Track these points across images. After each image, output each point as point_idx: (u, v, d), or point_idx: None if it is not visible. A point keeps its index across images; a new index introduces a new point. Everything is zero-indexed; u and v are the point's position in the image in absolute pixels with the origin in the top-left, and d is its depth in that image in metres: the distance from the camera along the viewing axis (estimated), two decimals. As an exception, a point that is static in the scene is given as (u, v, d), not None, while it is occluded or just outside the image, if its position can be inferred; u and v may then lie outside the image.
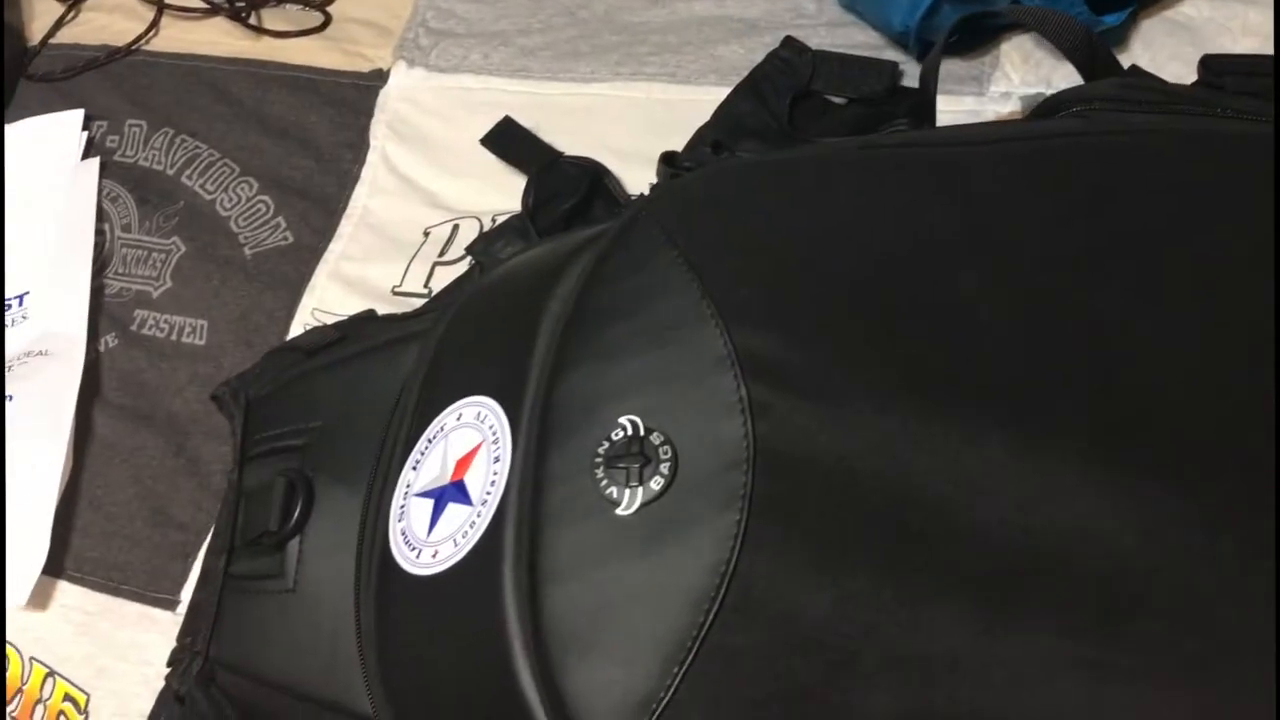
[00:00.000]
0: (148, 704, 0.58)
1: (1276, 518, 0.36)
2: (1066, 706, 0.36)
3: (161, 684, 0.58)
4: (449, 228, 0.70)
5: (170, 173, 0.75)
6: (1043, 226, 0.43)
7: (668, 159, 0.57)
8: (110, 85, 0.80)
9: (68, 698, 0.58)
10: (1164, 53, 0.66)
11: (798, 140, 0.67)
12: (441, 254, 0.69)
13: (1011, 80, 0.67)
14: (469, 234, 0.68)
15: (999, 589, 0.37)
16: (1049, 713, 0.36)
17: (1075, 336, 0.41)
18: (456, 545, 0.45)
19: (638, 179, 0.67)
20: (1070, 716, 0.35)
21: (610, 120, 0.71)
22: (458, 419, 0.49)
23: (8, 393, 0.64)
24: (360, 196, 0.72)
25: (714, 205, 0.48)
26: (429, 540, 0.46)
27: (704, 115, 0.68)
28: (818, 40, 0.70)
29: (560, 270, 0.49)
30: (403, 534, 0.48)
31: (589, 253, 0.49)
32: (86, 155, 0.77)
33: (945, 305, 0.42)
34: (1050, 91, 0.66)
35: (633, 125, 0.71)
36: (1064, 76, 0.67)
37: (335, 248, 0.70)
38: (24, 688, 0.59)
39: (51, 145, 0.76)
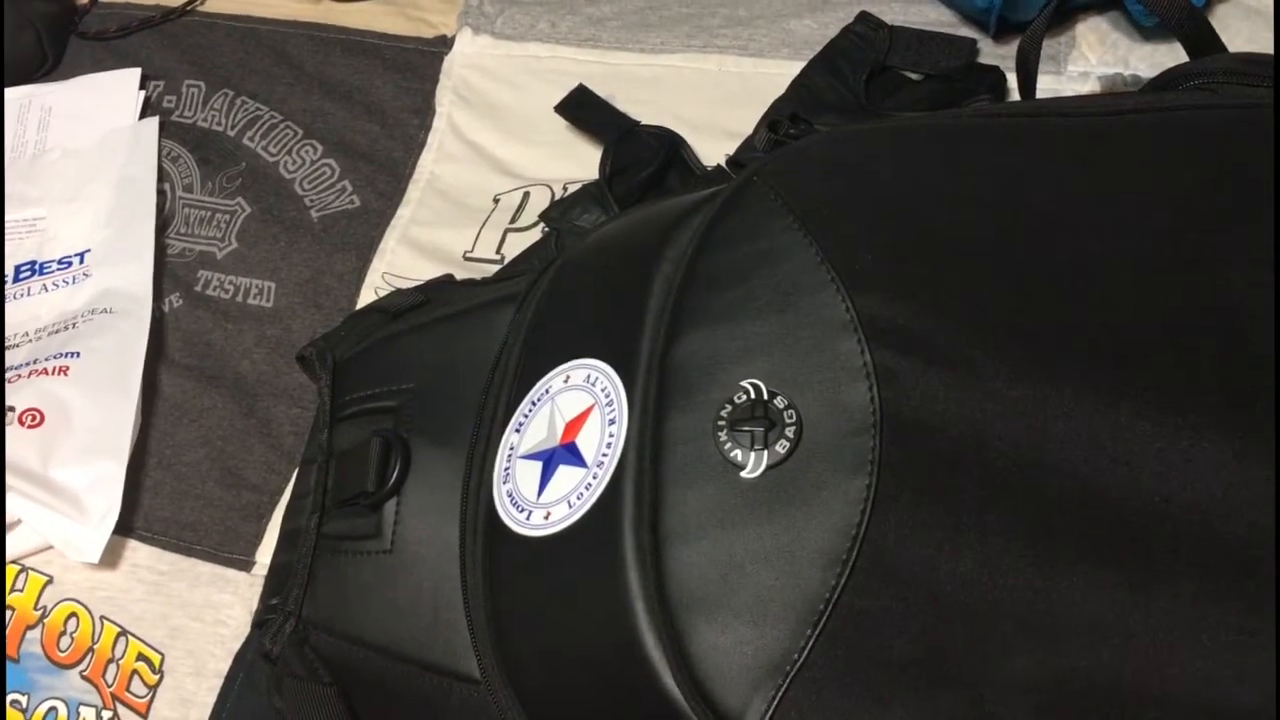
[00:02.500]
0: (224, 664, 0.57)
1: None
2: (1214, 673, 0.36)
3: (238, 644, 0.58)
4: (519, 195, 0.69)
5: (231, 134, 0.74)
6: (1172, 196, 0.43)
7: (772, 126, 0.56)
8: (166, 45, 0.79)
9: (141, 657, 0.58)
10: (1239, 38, 0.66)
11: (875, 115, 0.67)
12: (513, 221, 0.68)
13: (1089, 60, 0.67)
14: (540, 201, 0.68)
15: (1141, 556, 0.37)
16: (1195, 679, 0.36)
17: (1207, 305, 0.41)
18: (571, 507, 0.45)
19: (711, 150, 0.67)
20: (1218, 683, 0.36)
21: (682, 91, 0.71)
22: (565, 381, 0.48)
23: (75, 349, 0.63)
24: (427, 162, 0.72)
25: (828, 170, 0.48)
26: (539, 502, 0.46)
27: (777, 88, 0.68)
28: (891, 16, 0.70)
29: (668, 234, 0.49)
30: (509, 495, 0.47)
31: (698, 217, 0.49)
32: (143, 115, 0.76)
33: (1075, 273, 0.42)
34: (1128, 72, 0.67)
35: (705, 97, 0.71)
36: (1141, 57, 0.67)
37: (404, 213, 0.70)
38: (95, 647, 0.58)
39: (109, 102, 0.75)
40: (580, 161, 0.69)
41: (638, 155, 0.66)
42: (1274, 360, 0.40)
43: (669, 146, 0.66)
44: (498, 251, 0.67)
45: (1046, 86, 0.67)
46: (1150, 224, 0.43)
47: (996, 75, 0.67)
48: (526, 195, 0.69)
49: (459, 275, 0.64)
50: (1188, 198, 0.43)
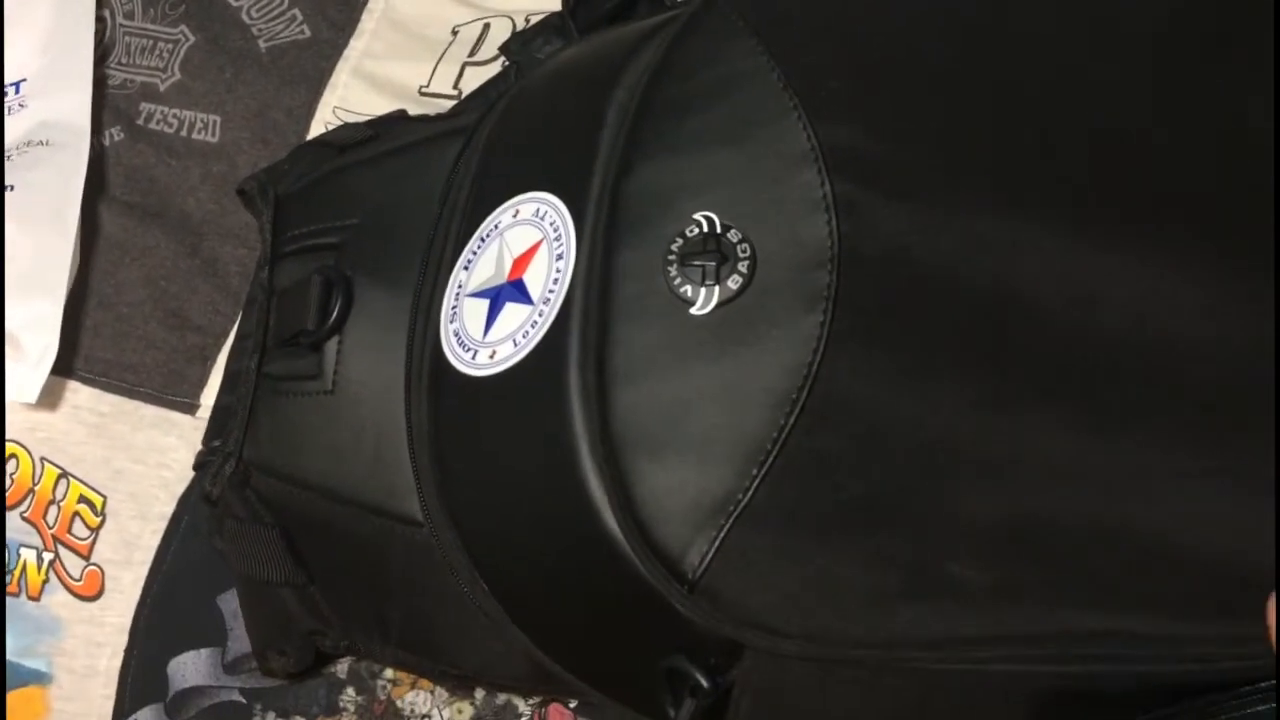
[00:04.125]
0: (168, 507, 0.56)
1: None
2: (1172, 517, 0.34)
3: (183, 487, 0.56)
4: (479, 26, 0.66)
5: (175, -42, 0.70)
6: (1162, 17, 0.40)
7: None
8: None
9: (83, 499, 0.56)
10: None
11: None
12: (471, 54, 0.65)
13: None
14: (501, 34, 0.64)
15: (1104, 396, 0.36)
16: (1153, 522, 0.34)
17: (1194, 134, 0.39)
18: (516, 345, 0.43)
19: (684, -19, 0.63)
20: (1176, 527, 0.34)
21: (654, -82, 0.67)
22: (514, 216, 0.46)
23: (9, 183, 0.61)
24: (383, -9, 0.68)
25: (796, -9, 0.45)
26: (485, 341, 0.44)
27: (754, -84, 0.64)
28: None
29: (624, 61, 0.46)
30: (455, 335, 0.45)
31: (656, 41, 0.46)
32: (82, -64, 0.71)
33: (1052, 101, 0.40)
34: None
35: (679, -77, 0.67)
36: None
37: (357, 44, 0.66)
38: (35, 489, 0.57)
39: (44, -77, 0.71)
40: (544, -8, 0.65)
41: (604, -16, 0.62)
42: (1265, 192, 0.37)
43: (637, -25, 0.62)
44: (455, 86, 0.64)
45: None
46: (1134, 47, 0.40)
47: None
48: (487, 27, 0.66)
49: (413, 111, 0.60)
50: (1178, 17, 0.40)
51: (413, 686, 0.52)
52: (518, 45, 0.61)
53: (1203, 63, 0.39)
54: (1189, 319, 0.36)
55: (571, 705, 0.50)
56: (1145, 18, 0.40)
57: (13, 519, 0.56)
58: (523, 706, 0.51)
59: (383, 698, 0.52)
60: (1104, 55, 0.40)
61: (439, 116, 0.57)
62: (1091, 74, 0.40)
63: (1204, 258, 0.36)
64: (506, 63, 0.62)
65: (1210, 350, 0.36)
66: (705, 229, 0.40)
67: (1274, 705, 0.33)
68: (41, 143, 0.63)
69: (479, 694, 0.51)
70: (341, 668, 0.52)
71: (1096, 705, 0.36)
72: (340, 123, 0.63)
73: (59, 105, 0.64)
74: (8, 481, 0.57)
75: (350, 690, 0.52)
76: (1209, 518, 0.34)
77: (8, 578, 0.56)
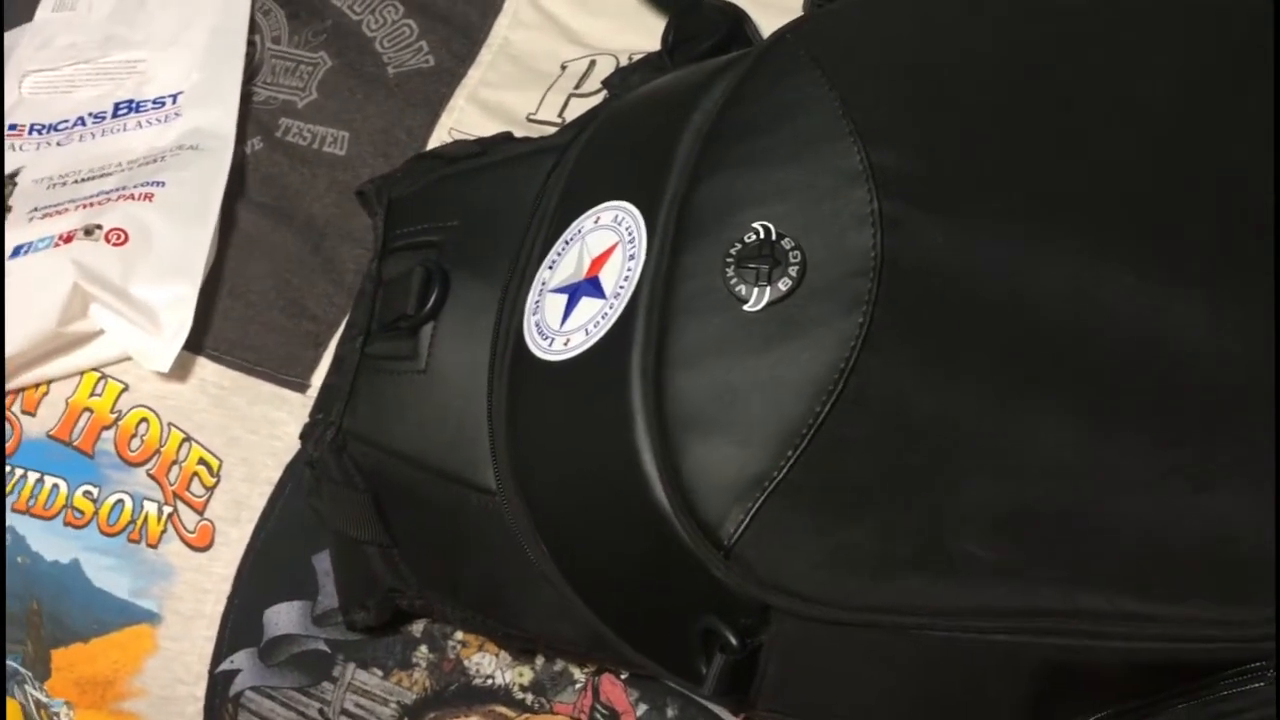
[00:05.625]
0: (276, 473, 0.62)
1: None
2: (1162, 511, 0.37)
3: (290, 457, 0.62)
4: (586, 62, 0.71)
5: (320, -9, 0.78)
6: (1179, 53, 0.44)
7: (816, -10, 0.58)
8: (266, -95, 0.83)
9: (202, 461, 0.63)
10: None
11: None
12: (577, 86, 0.70)
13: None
14: (605, 69, 0.70)
15: (1107, 399, 0.39)
16: (1144, 516, 0.38)
17: (1205, 159, 0.42)
18: (588, 334, 0.48)
19: (776, 26, 0.68)
20: (1166, 520, 0.37)
21: (752, -31, 0.72)
22: (595, 222, 0.51)
23: (161, 179, 0.68)
24: (501, 27, 0.74)
25: (858, 26, 0.49)
26: (562, 330, 0.49)
27: (846, -29, 0.69)
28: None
29: (702, 88, 0.51)
30: (536, 325, 0.50)
31: (732, 72, 0.51)
32: (240, -30, 0.79)
33: (1081, 129, 0.44)
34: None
35: (774, -25, 0.72)
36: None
37: (475, 74, 0.73)
38: (161, 449, 0.63)
39: (209, -43, 0.79)
40: (648, 34, 0.70)
41: (700, 28, 0.67)
42: (1269, 224, 0.40)
43: (732, 21, 0.67)
44: (560, 115, 0.70)
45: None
46: (1166, 77, 0.44)
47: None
48: (593, 63, 0.71)
49: (520, 134, 0.66)
50: (1192, 54, 0.44)
51: (480, 649, 0.56)
52: (618, 79, 0.67)
53: (1221, 94, 0.43)
54: (1189, 328, 0.39)
55: (623, 676, 0.54)
56: (1174, 50, 0.44)
57: (139, 475, 0.63)
58: (578, 674, 0.55)
59: (452, 657, 0.56)
60: (1136, 83, 0.44)
61: (539, 137, 0.62)
62: (1120, 101, 0.44)
63: (1205, 272, 0.40)
64: (608, 94, 0.68)
65: (1207, 357, 0.39)
66: (762, 236, 0.45)
67: (1264, 684, 0.35)
68: (192, 147, 0.70)
69: (539, 660, 0.56)
70: (417, 627, 0.57)
71: (1094, 683, 0.39)
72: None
73: (209, 116, 0.72)
74: (139, 443, 0.64)
75: (423, 648, 0.57)
76: (1200, 509, 0.37)
77: (131, 526, 0.62)
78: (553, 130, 0.68)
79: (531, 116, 0.70)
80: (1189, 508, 0.37)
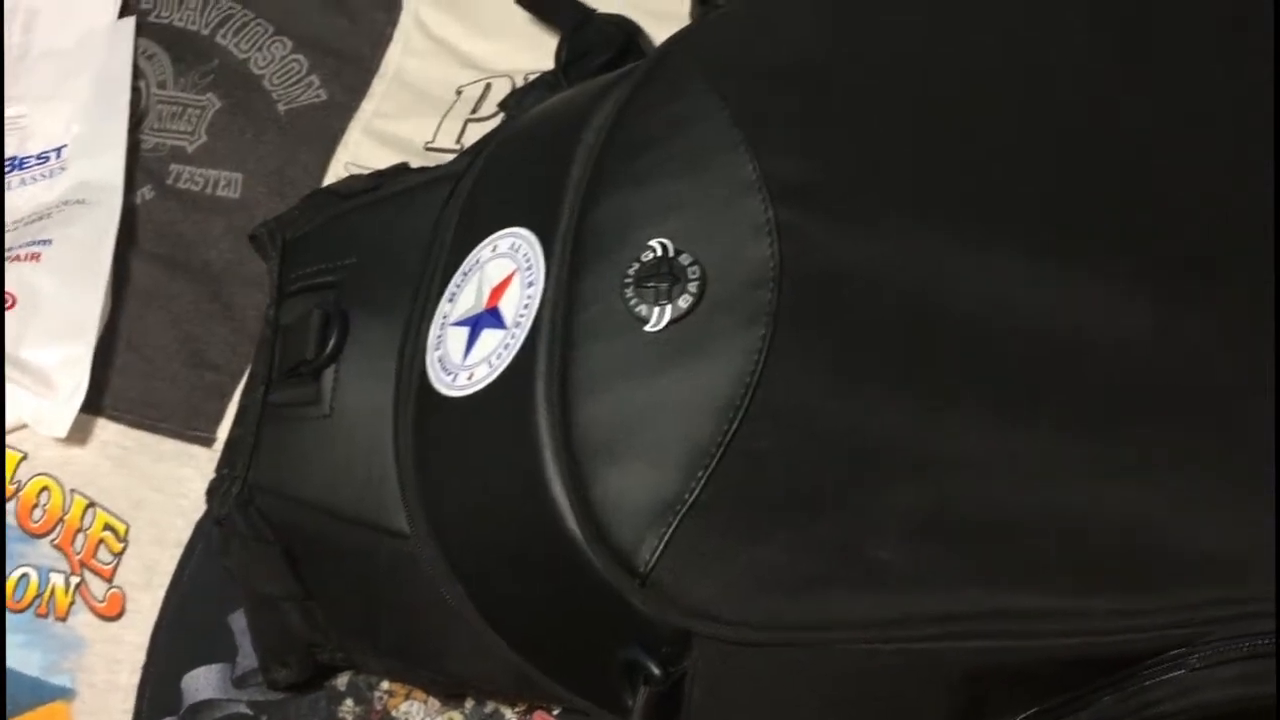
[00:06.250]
0: (185, 534, 0.60)
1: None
2: (1074, 501, 0.37)
3: (199, 515, 0.60)
4: (481, 86, 0.70)
5: (205, 32, 0.75)
6: (1076, 44, 0.44)
7: (701, -1, 0.57)
8: (146, -53, 0.80)
9: (108, 527, 0.60)
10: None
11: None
12: (474, 111, 0.69)
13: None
14: (501, 92, 0.69)
15: (1013, 392, 0.39)
16: (1056, 507, 0.37)
17: (1104, 152, 0.42)
18: (491, 366, 0.46)
19: (669, 39, 0.68)
20: (1077, 510, 0.37)
21: (645, -19, 0.71)
22: (493, 250, 0.50)
23: (47, 237, 0.66)
24: (393, 56, 0.73)
25: (744, 33, 0.49)
26: (464, 364, 0.48)
27: (738, -22, 0.68)
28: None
29: (592, 106, 0.50)
30: (439, 360, 0.49)
31: (621, 87, 0.50)
32: (122, 15, 0.77)
33: (975, 125, 0.43)
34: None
35: (667, -14, 0.71)
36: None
37: (368, 105, 0.71)
38: (65, 518, 0.61)
39: (88, 5, 0.77)
40: (543, 53, 0.69)
41: (593, 44, 0.66)
42: (1170, 205, 0.40)
43: (625, 35, 0.67)
44: (458, 141, 0.68)
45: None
46: (1055, 73, 0.43)
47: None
48: (488, 86, 0.70)
49: (419, 164, 0.65)
50: (1091, 46, 0.44)
51: (407, 697, 0.55)
52: (513, 101, 0.66)
53: (1120, 90, 0.42)
54: (1093, 320, 0.38)
55: (555, 712, 0.53)
56: (1073, 50, 0.44)
57: (43, 546, 0.61)
58: (509, 715, 0.53)
59: (379, 708, 0.55)
60: (1023, 69, 0.44)
61: (435, 166, 0.61)
62: (1008, 90, 0.43)
63: (1108, 264, 0.39)
64: (505, 117, 0.66)
65: (1114, 349, 0.38)
66: (659, 253, 0.44)
67: (1184, 672, 0.35)
68: (79, 201, 0.68)
69: (469, 703, 0.54)
70: (341, 681, 0.55)
71: (1020, 682, 0.38)
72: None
73: (96, 168, 0.70)
74: (41, 513, 0.61)
75: (349, 701, 0.55)
76: (1111, 502, 0.36)
77: (38, 600, 0.60)
78: (451, 157, 0.67)
79: (429, 145, 0.69)
80: (1101, 498, 0.36)
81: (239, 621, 0.57)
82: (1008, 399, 0.38)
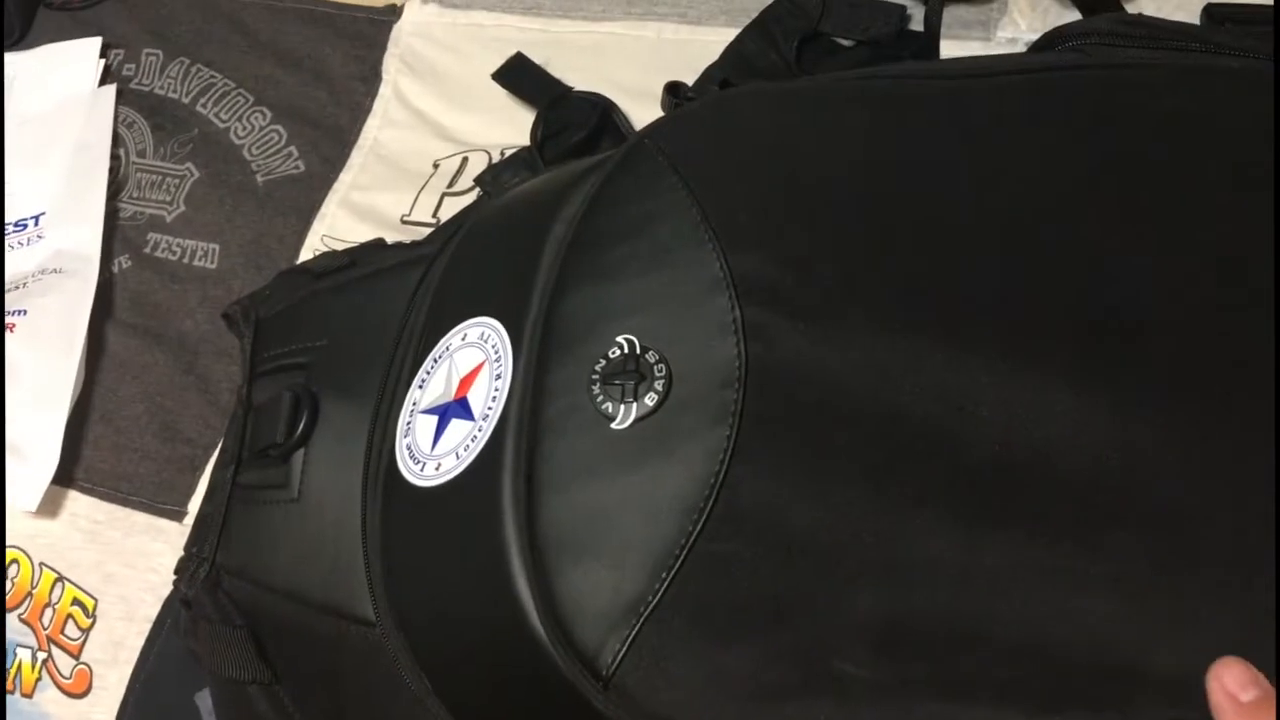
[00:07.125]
0: (154, 609, 0.60)
1: (1252, 436, 0.38)
2: (1040, 613, 0.37)
3: (168, 590, 0.60)
4: (458, 160, 0.71)
5: (185, 101, 0.76)
6: (1040, 155, 0.44)
7: (672, 89, 0.58)
8: (127, 14, 0.81)
9: (76, 602, 0.60)
10: (1170, 3, 0.66)
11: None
12: (450, 185, 0.70)
13: (1019, 26, 0.68)
14: (478, 166, 0.69)
15: (980, 500, 0.39)
16: (1023, 618, 0.37)
17: (1067, 261, 0.42)
18: (459, 458, 0.47)
19: (646, 116, 0.68)
20: (1043, 622, 0.37)
21: (620, 59, 0.72)
22: (462, 339, 0.50)
23: (23, 307, 0.66)
24: (372, 128, 0.73)
25: (715, 131, 0.49)
26: (432, 454, 0.48)
27: (713, 56, 0.69)
28: (827, -16, 0.71)
29: (564, 196, 0.51)
30: (408, 448, 0.49)
31: (592, 179, 0.50)
32: (103, 83, 0.78)
33: (940, 231, 0.44)
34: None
35: (643, 64, 0.72)
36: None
37: (345, 177, 0.71)
38: (33, 591, 0.61)
39: (69, 71, 0.77)
40: (519, 128, 0.70)
41: (569, 120, 0.67)
42: (1133, 315, 0.41)
43: (601, 112, 0.67)
44: (434, 215, 0.69)
45: (976, 51, 0.68)
46: (1017, 184, 0.44)
47: (925, 41, 0.67)
48: (465, 160, 0.71)
49: (395, 238, 0.65)
50: (1054, 158, 0.44)
51: (373, 782, 0.54)
52: (490, 177, 0.66)
53: (1066, 194, 0.43)
54: (1056, 427, 0.39)
55: (521, 801, 0.53)
56: (1020, 155, 0.44)
57: (11, 620, 0.60)
58: (475, 802, 0.53)
59: (345, 793, 0.54)
60: (982, 187, 0.44)
61: (408, 245, 0.61)
62: (968, 204, 0.44)
63: (1077, 372, 0.40)
64: (481, 193, 0.67)
65: (1077, 456, 0.38)
66: (626, 350, 0.44)
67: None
68: (55, 270, 0.68)
69: (435, 790, 0.54)
70: (307, 764, 0.55)
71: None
72: (325, 249, 0.68)
73: (73, 236, 0.70)
74: (9, 586, 0.61)
75: (315, 785, 0.55)
76: (1075, 613, 0.37)
77: (4, 676, 0.59)
78: (428, 230, 0.68)
79: (405, 218, 0.69)
80: (1065, 609, 0.37)
81: (207, 701, 0.57)
82: (975, 506, 0.39)
